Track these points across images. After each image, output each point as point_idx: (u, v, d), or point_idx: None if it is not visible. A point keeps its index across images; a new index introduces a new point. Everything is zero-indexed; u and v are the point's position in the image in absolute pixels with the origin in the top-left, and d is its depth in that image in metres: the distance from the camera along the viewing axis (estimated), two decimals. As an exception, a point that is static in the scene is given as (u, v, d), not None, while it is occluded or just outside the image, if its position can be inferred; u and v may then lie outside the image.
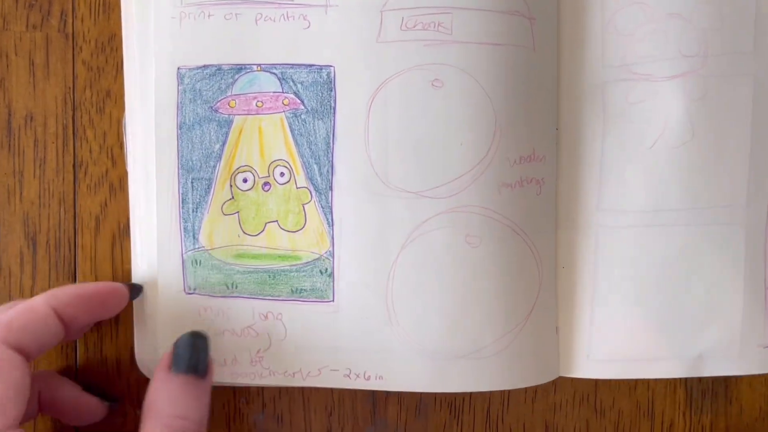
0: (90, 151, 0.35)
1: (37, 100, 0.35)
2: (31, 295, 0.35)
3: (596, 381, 0.36)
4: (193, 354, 0.32)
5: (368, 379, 0.34)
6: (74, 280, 0.35)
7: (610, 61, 0.34)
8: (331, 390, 0.36)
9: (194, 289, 0.34)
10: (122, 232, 0.35)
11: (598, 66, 0.34)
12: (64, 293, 0.31)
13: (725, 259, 0.35)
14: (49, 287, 0.35)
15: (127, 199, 0.35)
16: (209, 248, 0.34)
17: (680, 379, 0.37)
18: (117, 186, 0.35)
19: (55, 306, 0.31)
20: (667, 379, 0.37)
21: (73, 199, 0.35)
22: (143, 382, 0.35)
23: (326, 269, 0.34)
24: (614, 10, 0.34)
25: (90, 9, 0.34)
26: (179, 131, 0.34)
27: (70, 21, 0.35)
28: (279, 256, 0.35)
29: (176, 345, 0.32)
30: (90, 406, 0.34)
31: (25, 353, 0.30)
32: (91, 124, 0.35)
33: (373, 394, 0.36)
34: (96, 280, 0.35)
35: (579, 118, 0.35)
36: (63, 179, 0.35)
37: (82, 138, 0.35)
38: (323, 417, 0.36)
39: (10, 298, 0.35)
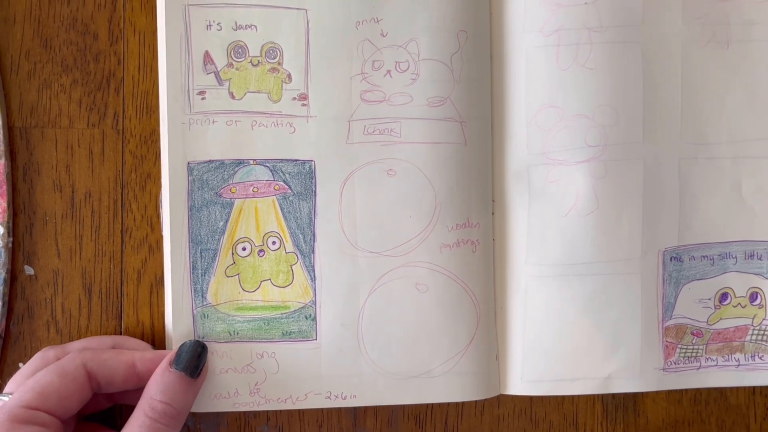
0: (134, 220, 0.43)
1: (95, 180, 0.43)
2: (87, 331, 0.43)
3: (532, 397, 0.44)
4: (193, 358, 0.38)
5: (345, 398, 0.41)
6: (120, 321, 0.43)
7: (533, 150, 0.42)
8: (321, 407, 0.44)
9: (203, 337, 0.41)
10: (158, 282, 0.43)
11: (523, 153, 0.42)
12: (100, 354, 0.37)
13: (626, 300, 0.42)
14: (100, 326, 0.43)
15: (162, 257, 0.42)
16: (215, 304, 0.41)
17: (598, 395, 0.44)
18: (155, 246, 0.43)
19: (86, 362, 0.36)
20: (588, 396, 0.44)
21: (120, 257, 0.43)
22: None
23: (310, 315, 0.41)
24: (535, 112, 0.42)
25: (136, 111, 0.43)
26: (190, 212, 0.40)
27: (121, 120, 0.43)
28: (272, 307, 0.41)
29: (181, 347, 0.38)
30: None
31: (58, 416, 0.35)
32: (135, 199, 0.43)
33: (354, 409, 0.44)
34: (137, 320, 0.43)
35: (509, 193, 0.42)
36: (113, 242, 0.43)
37: (128, 209, 0.43)
38: (315, 428, 0.44)
39: (69, 336, 0.43)
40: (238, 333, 0.41)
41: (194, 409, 0.41)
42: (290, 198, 0.41)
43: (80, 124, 0.43)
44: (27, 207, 0.43)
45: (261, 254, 0.41)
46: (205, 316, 0.41)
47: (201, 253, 0.41)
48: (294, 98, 0.41)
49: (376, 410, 0.44)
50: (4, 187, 0.42)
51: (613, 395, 0.45)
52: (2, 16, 0.43)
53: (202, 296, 0.41)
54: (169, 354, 0.39)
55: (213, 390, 0.41)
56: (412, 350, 0.41)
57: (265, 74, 0.41)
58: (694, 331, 0.43)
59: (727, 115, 0.42)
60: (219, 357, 0.41)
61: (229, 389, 0.41)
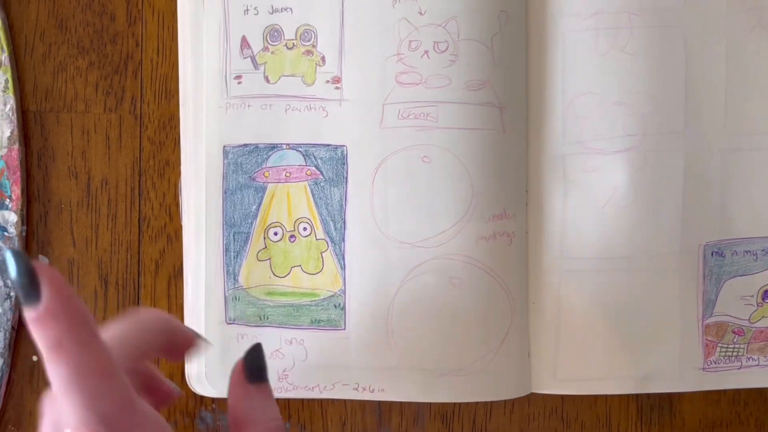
0: (152, 209, 0.42)
1: (111, 167, 0.42)
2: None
3: (563, 396, 0.42)
4: (263, 365, 0.31)
5: (372, 391, 0.40)
6: None
7: (569, 138, 0.40)
8: (344, 403, 0.42)
9: (233, 320, 0.41)
10: (176, 274, 0.42)
11: (559, 142, 0.41)
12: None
13: (665, 297, 0.41)
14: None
15: (181, 247, 0.41)
16: (246, 287, 0.41)
17: (632, 395, 0.42)
18: (173, 236, 0.42)
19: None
20: (622, 395, 0.42)
21: (137, 247, 0.42)
22: (190, 395, 0.42)
23: (339, 304, 0.41)
24: (572, 99, 0.40)
25: (154, 95, 0.42)
26: (224, 195, 0.40)
27: (139, 105, 0.42)
28: (302, 294, 0.41)
29: (249, 360, 0.31)
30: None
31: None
32: (154, 187, 0.42)
33: (379, 406, 0.43)
34: None
35: (545, 183, 0.41)
36: (130, 231, 0.42)
37: (146, 198, 0.42)
38: (338, 426, 0.43)
39: None
40: (268, 318, 0.41)
41: (224, 394, 0.40)
42: (322, 184, 0.41)
43: (97, 109, 0.42)
44: (41, 194, 0.42)
45: (292, 240, 0.41)
46: (236, 299, 0.41)
47: (234, 235, 0.41)
48: (328, 81, 0.40)
49: (402, 408, 0.43)
50: (18, 174, 0.41)
51: (648, 395, 0.43)
52: (16, -5, 0.41)
53: (234, 278, 0.41)
54: (236, 372, 0.31)
55: None
56: (444, 347, 0.40)
57: (299, 57, 0.40)
58: (736, 329, 0.42)
59: (773, 104, 0.41)
60: (249, 340, 0.40)
61: None
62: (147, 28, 0.42)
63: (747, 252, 0.41)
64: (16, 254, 0.24)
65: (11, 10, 0.41)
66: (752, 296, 0.41)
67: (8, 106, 0.41)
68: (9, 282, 0.41)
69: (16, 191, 0.41)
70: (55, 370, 0.24)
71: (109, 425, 0.24)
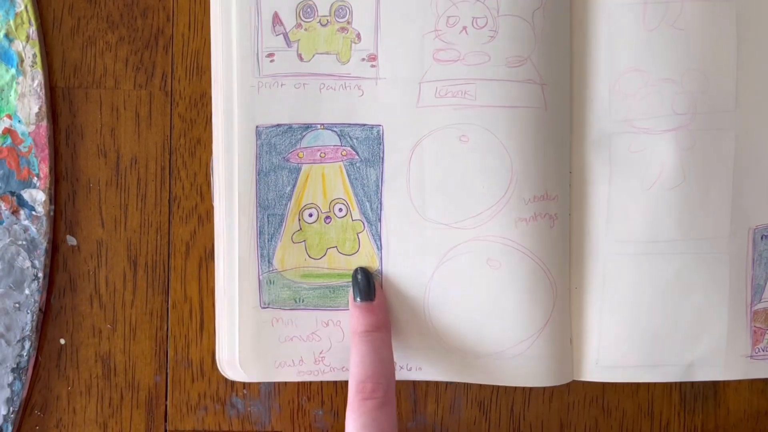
0: (183, 189, 0.41)
1: (141, 146, 0.41)
2: (132, 306, 0.41)
3: (604, 384, 0.41)
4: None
5: (410, 370, 0.40)
6: (167, 297, 0.41)
7: (615, 117, 0.39)
8: None
9: (268, 304, 0.40)
10: (208, 256, 0.41)
11: (605, 121, 0.39)
12: None
13: (712, 282, 0.39)
14: (146, 302, 0.41)
15: (212, 229, 0.40)
16: (281, 270, 0.40)
17: (675, 383, 0.41)
18: (204, 217, 0.41)
19: None
20: (664, 384, 0.41)
21: (168, 228, 0.41)
22: (221, 380, 0.41)
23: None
24: (618, 76, 0.39)
25: (186, 71, 0.41)
26: (257, 177, 0.39)
27: (169, 81, 0.41)
28: (338, 275, 0.40)
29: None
30: None
31: None
32: (185, 166, 0.41)
33: (414, 393, 0.42)
34: (185, 296, 0.41)
35: (589, 164, 0.39)
36: (160, 211, 0.41)
37: (176, 177, 0.41)
38: None
39: (114, 311, 0.41)
40: (303, 300, 0.40)
41: (258, 379, 0.40)
42: (357, 164, 0.39)
43: (126, 85, 0.41)
44: (69, 173, 0.41)
45: (327, 221, 0.40)
46: (271, 282, 0.40)
47: (268, 218, 0.40)
48: (363, 59, 0.39)
49: (438, 395, 0.42)
50: (46, 152, 0.40)
51: (692, 384, 0.42)
52: (44, -33, 0.40)
53: (269, 262, 0.40)
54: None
55: (278, 358, 0.40)
56: (482, 330, 0.39)
57: (334, 34, 0.39)
58: (786, 316, 0.40)
59: (827, 83, 0.39)
60: (284, 324, 0.40)
61: (294, 357, 0.40)
62: (178, 2, 0.41)
63: (798, 236, 0.40)
64: (364, 270, 0.39)
65: (39, -18, 0.40)
66: (803, 282, 0.40)
67: (36, 82, 0.39)
68: (36, 263, 0.40)
69: (44, 169, 0.40)
70: (367, 343, 0.37)
71: (387, 385, 0.36)
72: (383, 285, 0.40)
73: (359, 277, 0.39)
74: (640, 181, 0.39)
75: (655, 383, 0.41)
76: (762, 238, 0.40)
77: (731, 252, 0.40)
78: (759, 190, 0.40)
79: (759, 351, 0.40)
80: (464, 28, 0.38)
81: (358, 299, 0.39)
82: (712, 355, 0.40)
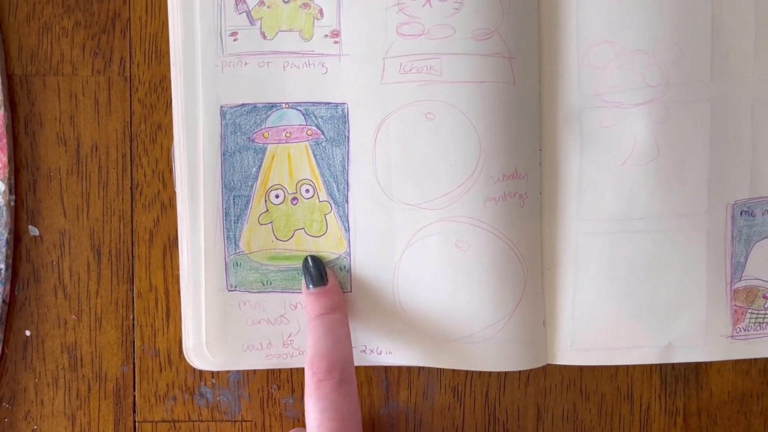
0: (144, 175, 0.40)
1: (101, 132, 0.40)
2: (97, 296, 0.40)
3: (581, 368, 0.40)
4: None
5: (380, 353, 0.39)
6: (132, 285, 0.40)
7: (585, 91, 0.38)
8: None
9: (235, 287, 0.39)
10: (172, 244, 0.40)
11: (574, 95, 0.38)
12: None
13: (690, 260, 0.38)
14: (111, 291, 0.40)
15: (176, 215, 0.39)
16: (248, 252, 0.39)
17: (656, 365, 0.40)
18: (167, 204, 0.40)
19: None
20: (644, 366, 0.40)
21: (130, 216, 0.40)
22: (189, 370, 0.40)
23: (344, 266, 0.39)
24: (587, 48, 0.38)
25: (144, 56, 0.40)
26: (222, 158, 0.39)
27: (128, 66, 0.40)
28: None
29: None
30: None
31: None
32: (146, 152, 0.40)
33: (386, 379, 0.41)
34: (150, 284, 0.40)
35: (559, 140, 0.38)
36: (122, 199, 0.40)
37: (138, 164, 0.40)
38: None
39: (78, 301, 0.40)
40: (271, 283, 0.39)
41: (224, 365, 0.39)
42: (323, 144, 0.39)
43: (84, 71, 0.40)
44: (29, 162, 0.40)
45: (294, 202, 0.39)
46: (237, 265, 0.39)
47: (234, 199, 0.39)
48: (326, 35, 0.38)
49: (410, 381, 0.41)
50: (4, 141, 0.39)
51: (673, 366, 0.41)
52: (-3, -48, 0.39)
53: (235, 244, 0.39)
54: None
55: (245, 342, 0.39)
56: (451, 313, 0.38)
57: (296, 11, 0.38)
58: (767, 294, 0.39)
59: (808, 50, 0.38)
60: (252, 307, 0.39)
61: (262, 340, 0.39)
62: (134, -16, 0.40)
63: (780, 211, 0.38)
64: (314, 258, 0.39)
65: (-8, -32, 0.39)
66: (785, 258, 0.39)
67: (-9, 70, 0.39)
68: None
69: (3, 159, 0.39)
70: (321, 326, 0.36)
71: (344, 364, 0.35)
72: (352, 267, 0.39)
73: (310, 264, 0.39)
74: (612, 157, 0.38)
75: (634, 366, 0.40)
76: (741, 213, 0.38)
77: (709, 229, 0.38)
78: (737, 165, 0.38)
79: (740, 331, 0.39)
80: (428, 0, 0.37)
81: (311, 286, 0.38)
82: (691, 336, 0.39)
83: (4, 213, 0.39)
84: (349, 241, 0.39)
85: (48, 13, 0.40)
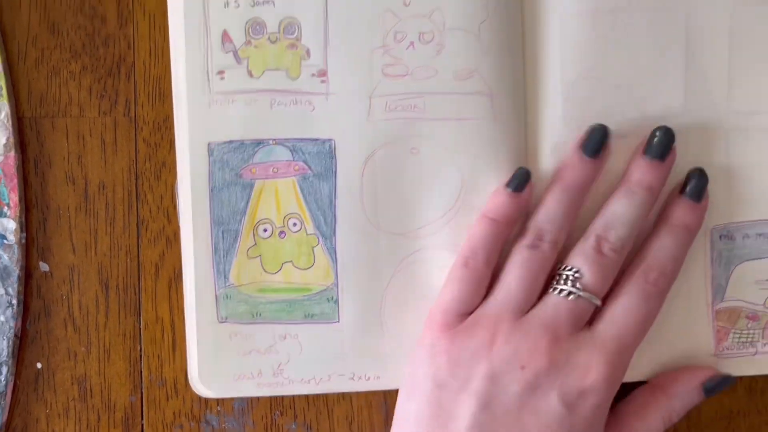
0: (150, 212, 0.42)
1: (108, 171, 0.42)
2: (105, 329, 0.42)
3: None
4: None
5: (368, 379, 0.40)
6: (139, 317, 0.42)
7: (570, 125, 0.39)
8: (350, 402, 0.42)
9: (226, 318, 0.40)
10: (177, 276, 0.41)
11: (559, 128, 0.39)
12: None
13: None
14: (119, 323, 0.41)
15: (180, 249, 0.41)
16: (237, 285, 0.40)
17: (641, 383, 0.41)
18: (172, 239, 0.42)
19: None
20: (632, 384, 0.41)
21: (137, 250, 0.42)
22: (195, 398, 0.42)
23: (332, 297, 0.40)
24: (571, 82, 0.39)
25: (148, 97, 0.41)
26: (211, 193, 0.40)
27: (133, 107, 0.41)
28: (294, 289, 0.40)
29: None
30: None
31: None
32: (151, 189, 0.42)
33: (386, 404, 0.42)
34: (156, 316, 0.42)
35: (545, 172, 0.40)
36: (129, 235, 0.42)
37: (143, 201, 0.42)
38: (344, 425, 0.42)
39: (88, 332, 0.42)
40: (260, 314, 0.40)
41: (218, 393, 0.41)
42: (310, 179, 0.40)
43: (91, 113, 0.42)
44: (39, 201, 0.42)
45: (282, 236, 0.40)
46: (227, 297, 0.40)
47: (223, 234, 0.40)
48: (313, 74, 0.39)
49: (409, 405, 0.42)
50: (15, 181, 0.41)
51: (662, 385, 0.42)
52: (7, 1, 0.41)
53: (225, 277, 0.40)
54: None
55: (237, 371, 0.40)
56: None
57: (283, 51, 0.39)
58: (750, 315, 0.40)
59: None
60: (242, 338, 0.40)
61: (253, 370, 0.40)
62: (138, 30, 0.41)
63: (759, 235, 0.40)
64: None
65: (3, 16, 0.41)
66: (767, 281, 0.40)
67: (3, 114, 0.41)
68: (10, 291, 0.41)
69: (14, 198, 0.41)
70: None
71: None
72: (339, 298, 0.40)
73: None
74: (594, 187, 0.40)
75: (622, 383, 0.41)
76: (720, 237, 0.40)
77: (689, 254, 0.39)
78: (714, 191, 0.40)
79: (724, 349, 0.41)
80: (411, 43, 0.39)
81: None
82: (674, 355, 0.40)
83: (16, 250, 0.41)
84: (336, 272, 0.40)
85: (56, 58, 0.41)
